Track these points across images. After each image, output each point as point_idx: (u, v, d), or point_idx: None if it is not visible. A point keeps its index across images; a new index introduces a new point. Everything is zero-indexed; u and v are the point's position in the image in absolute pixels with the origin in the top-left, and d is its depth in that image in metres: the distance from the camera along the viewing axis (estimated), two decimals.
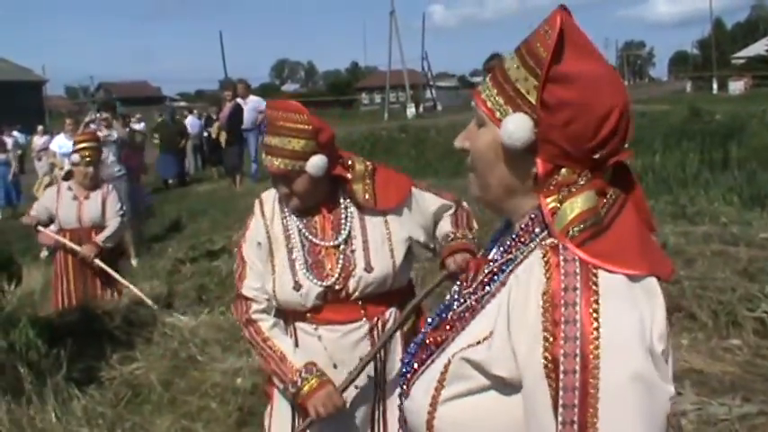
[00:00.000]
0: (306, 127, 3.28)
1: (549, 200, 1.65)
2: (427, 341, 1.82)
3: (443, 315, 1.87)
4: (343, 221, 3.52)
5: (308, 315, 3.50)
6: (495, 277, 1.72)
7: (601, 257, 1.54)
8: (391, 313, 3.56)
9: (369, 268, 3.45)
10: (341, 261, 3.46)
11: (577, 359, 1.45)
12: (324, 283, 3.43)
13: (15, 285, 6.76)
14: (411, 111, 60.51)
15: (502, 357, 1.55)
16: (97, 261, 7.51)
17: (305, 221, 3.54)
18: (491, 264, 1.77)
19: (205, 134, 24.66)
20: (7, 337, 6.56)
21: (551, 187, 1.65)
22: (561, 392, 1.46)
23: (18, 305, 8.02)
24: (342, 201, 3.55)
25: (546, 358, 1.48)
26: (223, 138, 19.41)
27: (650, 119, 33.67)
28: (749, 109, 33.85)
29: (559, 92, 1.59)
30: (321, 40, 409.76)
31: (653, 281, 1.58)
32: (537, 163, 1.65)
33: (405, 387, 1.84)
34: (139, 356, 6.93)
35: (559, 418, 1.46)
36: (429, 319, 1.93)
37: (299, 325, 3.55)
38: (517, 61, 1.66)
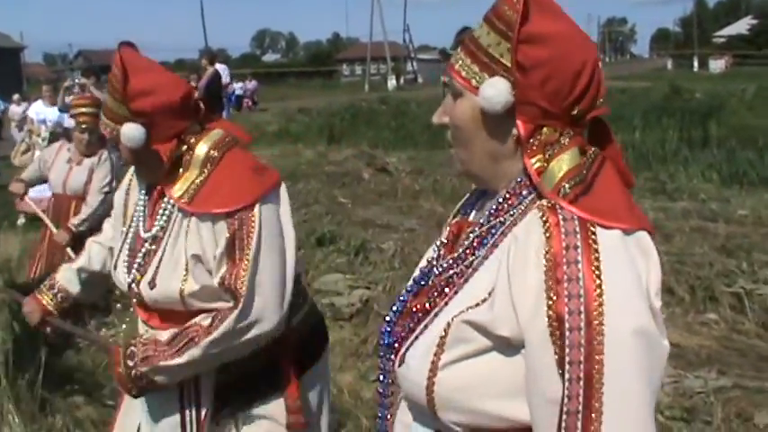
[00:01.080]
0: (118, 86, 2.70)
1: (533, 160, 1.66)
2: (413, 308, 1.81)
3: (422, 282, 1.88)
4: (159, 213, 2.88)
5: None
6: (485, 240, 1.72)
7: (595, 213, 1.57)
8: None
9: (152, 284, 2.84)
10: (139, 261, 2.92)
11: (582, 316, 1.47)
12: (127, 278, 2.95)
13: None
14: (392, 83, 60.53)
15: (504, 317, 1.56)
16: (68, 250, 6.94)
17: (148, 199, 2.99)
18: (476, 228, 1.76)
19: None
20: None
21: (534, 148, 1.66)
22: (567, 350, 1.48)
23: None
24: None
25: (550, 316, 1.50)
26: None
27: (631, 95, 33.82)
28: (729, 87, 34.11)
29: (533, 52, 1.61)
30: (302, 11, 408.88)
31: (646, 237, 1.61)
32: (518, 125, 1.65)
33: (392, 356, 1.83)
34: (117, 322, 6.89)
35: (566, 375, 1.48)
36: (407, 287, 1.92)
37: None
38: (487, 28, 1.68)
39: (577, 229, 1.53)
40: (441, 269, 1.81)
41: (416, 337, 1.73)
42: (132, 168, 3.11)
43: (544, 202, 1.61)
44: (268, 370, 2.93)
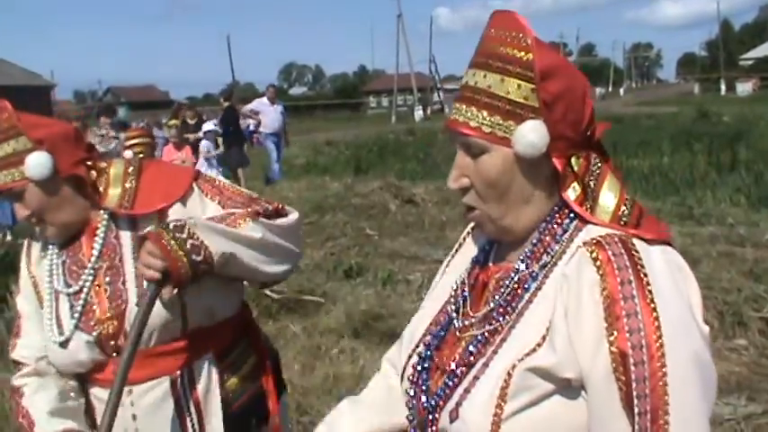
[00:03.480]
0: (10, 123, 2.57)
1: (569, 192, 1.70)
2: (447, 364, 1.78)
3: (443, 333, 1.87)
4: (98, 243, 2.68)
5: (95, 376, 2.71)
6: (528, 285, 1.72)
7: (650, 233, 1.65)
8: (205, 363, 2.72)
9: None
10: (109, 298, 2.64)
11: (644, 350, 1.50)
12: (94, 334, 2.63)
13: None
14: (419, 113, 60.61)
15: (568, 359, 1.57)
16: None
17: (69, 252, 2.75)
18: (513, 275, 1.76)
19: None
20: None
21: (568, 180, 1.70)
22: (634, 384, 1.50)
23: None
24: (100, 215, 2.71)
25: (613, 353, 1.52)
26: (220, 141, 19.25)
27: (658, 121, 33.72)
28: (757, 110, 33.86)
29: (551, 87, 1.64)
30: (329, 44, 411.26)
31: (678, 256, 1.67)
32: (553, 161, 1.68)
33: (434, 414, 1.76)
34: None
35: (636, 410, 1.51)
36: (426, 341, 1.91)
37: (92, 390, 2.76)
38: (495, 75, 1.67)
39: (627, 263, 1.56)
40: (475, 319, 1.79)
41: (467, 390, 1.69)
42: (26, 246, 2.90)
43: (587, 237, 1.65)
44: (260, 397, 2.88)
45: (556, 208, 1.74)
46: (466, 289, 1.89)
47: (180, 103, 33.86)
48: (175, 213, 2.62)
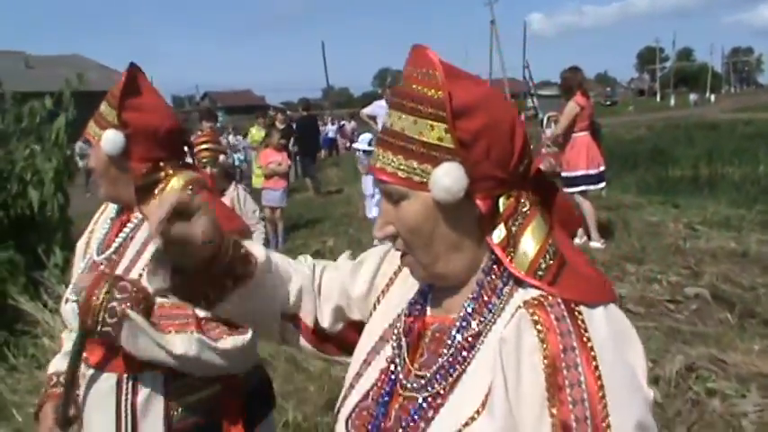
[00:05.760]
0: (117, 93, 2.66)
1: (494, 236, 1.58)
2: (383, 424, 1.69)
3: (390, 388, 1.73)
4: (122, 236, 2.78)
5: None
6: (473, 344, 1.59)
7: (576, 293, 1.51)
8: (151, 377, 2.61)
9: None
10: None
11: (588, 422, 1.40)
12: (76, 308, 2.60)
13: None
14: None
15: (508, 429, 1.47)
16: None
17: (113, 227, 2.87)
18: (454, 332, 1.63)
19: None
20: None
21: (495, 222, 1.58)
22: None
23: None
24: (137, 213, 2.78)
25: (554, 425, 1.41)
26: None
27: (756, 127, 32.94)
28: None
29: (469, 124, 1.52)
30: None
31: (619, 312, 1.56)
32: (478, 204, 1.55)
33: None
34: None
35: None
36: (376, 396, 1.75)
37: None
38: (409, 116, 1.56)
39: (570, 328, 1.45)
40: (417, 382, 1.67)
41: None
42: (102, 208, 3.03)
43: (527, 296, 1.53)
44: (209, 429, 2.70)
45: (493, 257, 1.61)
46: (402, 336, 1.76)
47: (276, 108, 34.30)
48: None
